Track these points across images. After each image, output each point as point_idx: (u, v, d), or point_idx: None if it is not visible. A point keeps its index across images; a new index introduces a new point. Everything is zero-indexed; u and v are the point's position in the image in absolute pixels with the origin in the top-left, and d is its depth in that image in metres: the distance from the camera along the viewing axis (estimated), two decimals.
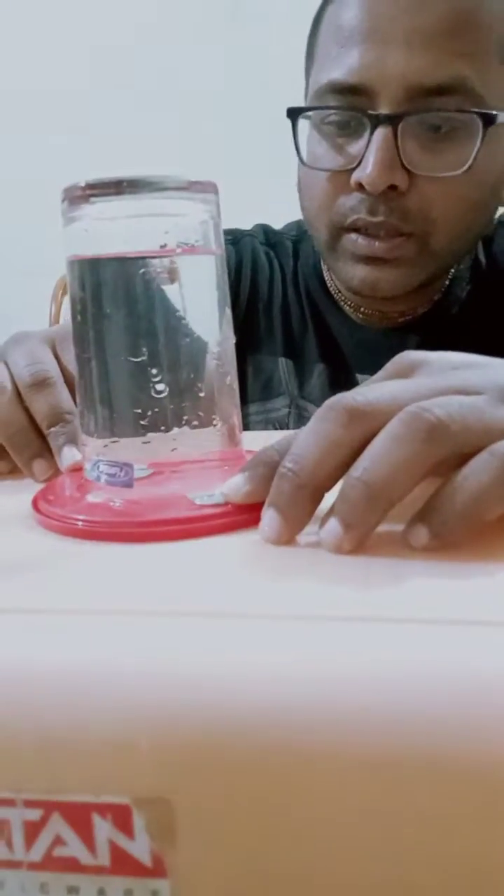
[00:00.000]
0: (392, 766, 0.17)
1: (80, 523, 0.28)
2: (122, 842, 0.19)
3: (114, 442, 0.30)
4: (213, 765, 0.18)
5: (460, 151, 0.51)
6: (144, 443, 0.30)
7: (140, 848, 0.19)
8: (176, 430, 0.30)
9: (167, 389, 0.29)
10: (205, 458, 0.31)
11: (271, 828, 0.18)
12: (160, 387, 0.29)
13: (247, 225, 0.72)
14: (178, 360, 0.30)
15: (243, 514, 0.27)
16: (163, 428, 0.30)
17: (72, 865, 0.19)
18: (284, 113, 0.55)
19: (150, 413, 0.29)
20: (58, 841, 0.19)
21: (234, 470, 0.31)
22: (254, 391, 0.66)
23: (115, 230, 0.28)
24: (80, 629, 0.20)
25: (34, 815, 0.19)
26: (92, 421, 0.30)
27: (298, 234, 0.69)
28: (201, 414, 0.30)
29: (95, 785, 0.19)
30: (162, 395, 0.29)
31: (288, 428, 0.65)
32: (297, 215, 0.63)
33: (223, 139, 1.47)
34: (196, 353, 0.30)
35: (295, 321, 0.66)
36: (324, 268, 0.65)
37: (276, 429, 0.65)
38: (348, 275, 0.56)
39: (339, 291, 0.63)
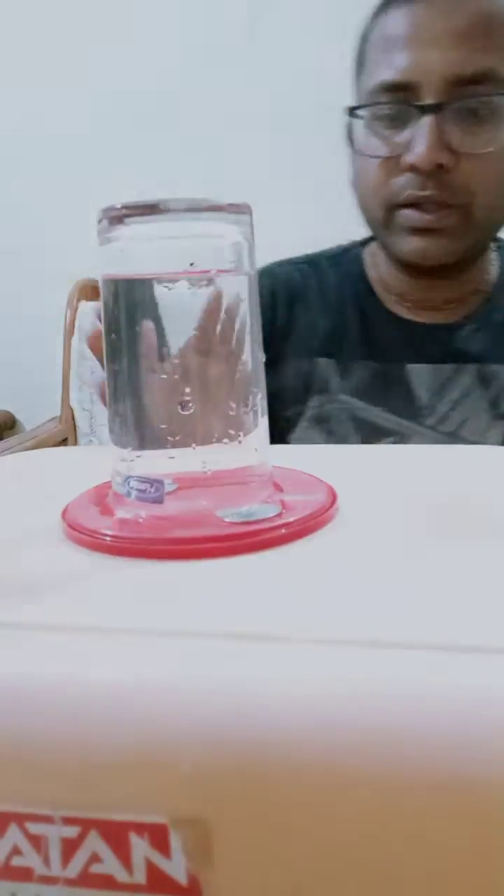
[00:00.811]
0: (433, 790, 0.18)
1: (109, 539, 0.28)
2: (158, 861, 0.19)
3: (139, 457, 0.30)
4: (251, 787, 0.18)
5: (496, 131, 0.61)
6: (171, 457, 0.30)
7: (176, 867, 0.19)
8: (203, 446, 0.30)
9: (196, 406, 0.30)
10: (232, 473, 0.31)
11: (307, 852, 0.18)
12: (188, 403, 0.30)
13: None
14: (208, 377, 0.30)
15: (272, 533, 0.28)
16: (190, 443, 0.30)
17: (108, 883, 0.19)
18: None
19: (177, 428, 0.30)
20: (94, 858, 0.19)
21: (260, 486, 0.31)
22: (296, 392, 0.72)
23: (149, 251, 0.29)
24: (121, 649, 0.21)
25: (71, 832, 0.19)
26: (121, 432, 0.30)
27: (336, 253, 0.78)
28: (230, 431, 0.30)
29: (133, 804, 0.19)
30: (190, 412, 0.30)
31: (330, 424, 0.70)
32: (319, 234, 0.70)
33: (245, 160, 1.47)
34: (226, 371, 0.30)
35: (334, 323, 0.73)
36: (370, 273, 0.73)
37: (319, 425, 0.71)
38: (401, 247, 0.65)
39: (388, 291, 0.72)
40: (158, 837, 0.19)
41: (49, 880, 0.20)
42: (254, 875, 0.19)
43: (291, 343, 0.73)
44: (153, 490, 0.29)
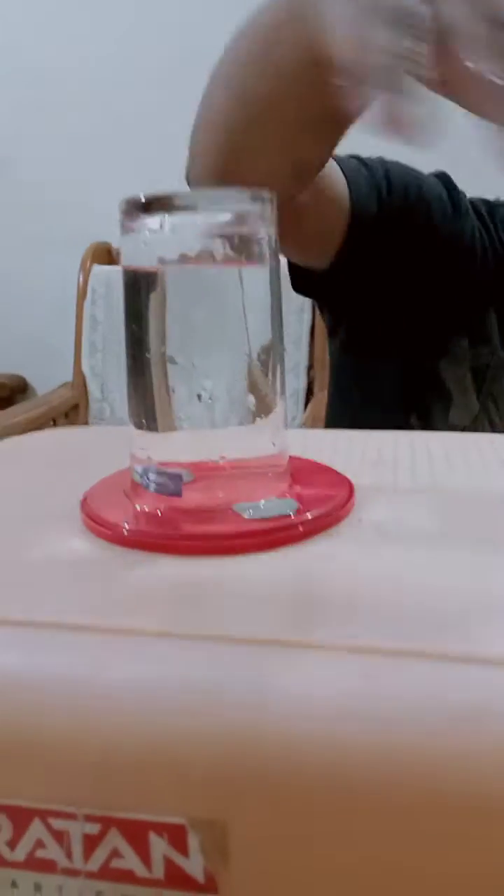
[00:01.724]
0: (446, 801, 0.18)
1: (126, 531, 0.28)
2: (176, 858, 0.20)
3: (158, 444, 0.30)
4: (267, 791, 0.19)
5: None
6: (188, 447, 0.30)
7: (194, 865, 0.19)
8: (222, 433, 0.30)
9: (216, 395, 0.30)
10: (249, 462, 0.31)
11: (320, 852, 0.19)
12: (207, 392, 0.30)
13: None
14: (228, 368, 0.30)
15: (288, 531, 0.28)
16: (209, 432, 0.30)
17: (128, 877, 0.20)
18: None
19: (196, 418, 0.30)
20: (115, 854, 0.20)
21: (277, 477, 0.31)
22: (473, 331, 0.64)
23: (172, 243, 0.28)
24: (141, 651, 0.21)
25: (93, 829, 0.20)
26: (140, 418, 0.30)
27: (488, 202, 0.67)
28: (248, 420, 0.30)
29: (153, 805, 0.19)
30: (210, 400, 0.30)
31: (486, 377, 0.64)
32: None
33: None
34: (247, 362, 0.30)
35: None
36: None
37: (475, 375, 0.64)
38: None
39: None
40: (177, 837, 0.19)
41: (71, 872, 0.20)
42: (269, 873, 0.19)
43: (475, 268, 0.63)
44: (172, 484, 0.29)
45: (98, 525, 0.29)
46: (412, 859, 0.19)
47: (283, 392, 0.32)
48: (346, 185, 0.56)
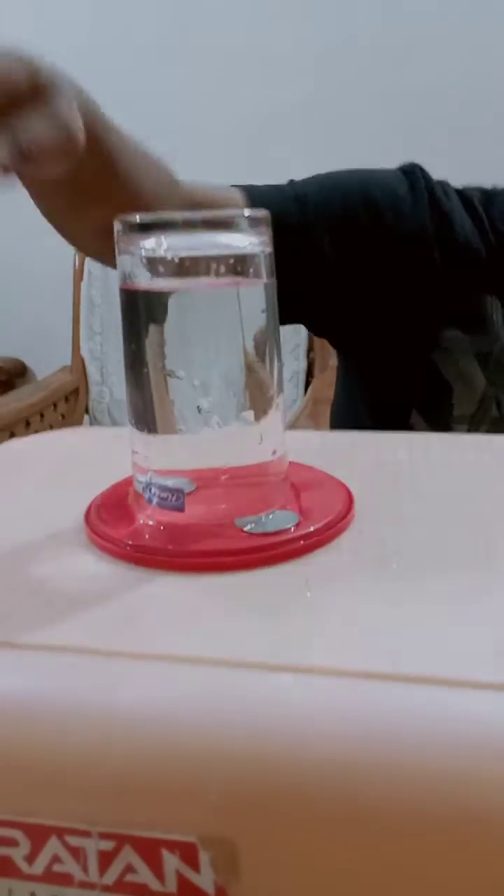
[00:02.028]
0: (456, 822, 0.19)
1: (131, 549, 0.29)
2: (188, 874, 0.21)
3: (158, 454, 0.31)
4: (275, 810, 0.20)
5: None
6: (190, 451, 0.31)
7: (205, 880, 0.20)
8: (222, 442, 0.31)
9: (215, 406, 0.30)
10: (249, 469, 0.31)
11: (326, 865, 0.20)
12: (207, 403, 0.30)
13: None
14: (226, 380, 0.30)
15: (290, 546, 0.28)
16: (209, 441, 0.31)
17: (142, 891, 0.21)
18: None
19: (196, 426, 0.30)
20: (129, 869, 0.21)
21: (277, 487, 0.32)
22: (464, 320, 0.64)
23: (167, 262, 0.29)
24: (153, 675, 0.22)
25: (107, 845, 0.21)
26: (142, 426, 0.31)
27: (485, 190, 0.67)
28: (247, 430, 0.31)
29: (164, 823, 0.20)
30: (209, 411, 0.30)
31: (489, 364, 0.64)
32: None
33: None
34: (246, 375, 0.31)
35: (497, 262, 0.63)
36: None
37: (478, 361, 0.64)
38: None
39: None
40: (188, 854, 0.20)
41: (87, 885, 0.21)
42: (278, 886, 0.20)
43: (452, 258, 0.63)
44: (174, 499, 0.30)
45: (103, 540, 0.30)
46: (414, 871, 0.20)
47: (282, 403, 0.32)
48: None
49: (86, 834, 0.21)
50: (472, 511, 0.32)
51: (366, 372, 0.68)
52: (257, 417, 0.31)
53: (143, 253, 0.29)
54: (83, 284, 1.66)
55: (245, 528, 0.30)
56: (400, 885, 0.20)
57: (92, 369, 1.67)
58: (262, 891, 0.20)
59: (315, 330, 0.69)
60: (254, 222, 0.29)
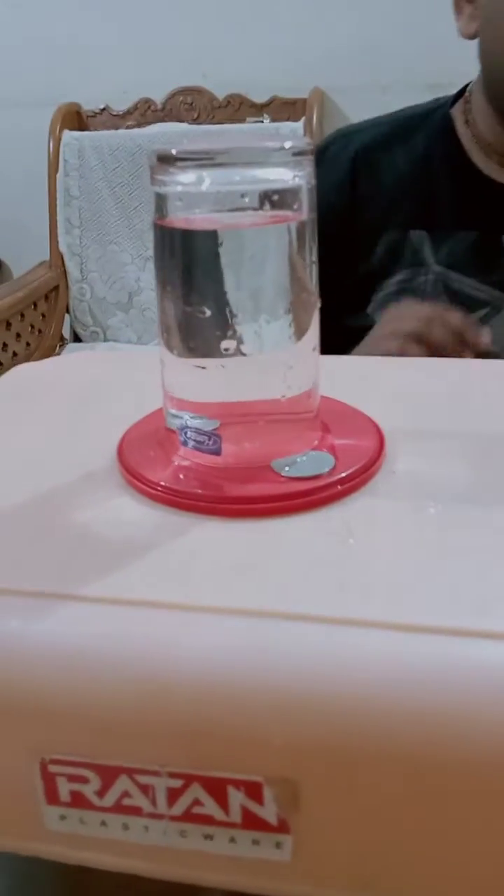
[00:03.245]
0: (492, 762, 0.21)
1: (171, 493, 0.29)
2: (252, 807, 0.22)
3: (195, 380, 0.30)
4: (334, 754, 0.21)
5: None
6: (224, 384, 0.30)
7: (268, 812, 0.22)
8: (255, 376, 0.30)
9: (251, 341, 0.29)
10: (282, 407, 0.31)
11: (380, 805, 0.22)
12: (241, 339, 0.29)
13: None
14: (264, 318, 0.30)
15: (329, 490, 0.29)
16: (242, 374, 0.30)
17: (208, 820, 0.23)
18: None
19: (230, 362, 0.30)
20: (196, 803, 0.23)
21: (310, 426, 0.32)
22: (384, 265, 0.70)
23: (205, 197, 0.27)
24: (215, 629, 0.23)
25: (176, 783, 0.22)
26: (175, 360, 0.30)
27: (421, 112, 0.71)
28: (282, 368, 0.30)
29: (231, 766, 0.22)
30: (243, 347, 0.30)
31: (426, 296, 0.69)
32: None
33: None
34: (282, 312, 0.30)
35: (426, 192, 0.69)
36: (461, 133, 0.69)
37: (415, 297, 0.70)
38: None
39: (484, 152, 0.67)
40: (253, 790, 0.22)
41: (156, 816, 0.23)
42: (337, 818, 0.22)
43: (377, 213, 0.69)
44: (211, 443, 0.30)
45: (141, 483, 0.30)
46: (460, 809, 0.21)
47: (317, 338, 0.32)
48: None
49: (155, 773, 0.22)
50: (499, 442, 0.33)
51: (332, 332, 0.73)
52: (293, 353, 0.31)
53: (177, 187, 0.27)
54: (59, 175, 1.56)
55: (283, 473, 0.30)
56: (445, 820, 0.21)
57: (71, 266, 1.60)
58: (320, 822, 0.22)
59: None
60: (297, 154, 0.27)
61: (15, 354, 1.45)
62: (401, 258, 0.70)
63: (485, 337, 0.57)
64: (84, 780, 0.23)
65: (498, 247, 0.68)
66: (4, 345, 1.42)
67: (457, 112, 0.71)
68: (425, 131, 0.71)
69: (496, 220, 0.68)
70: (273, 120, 1.53)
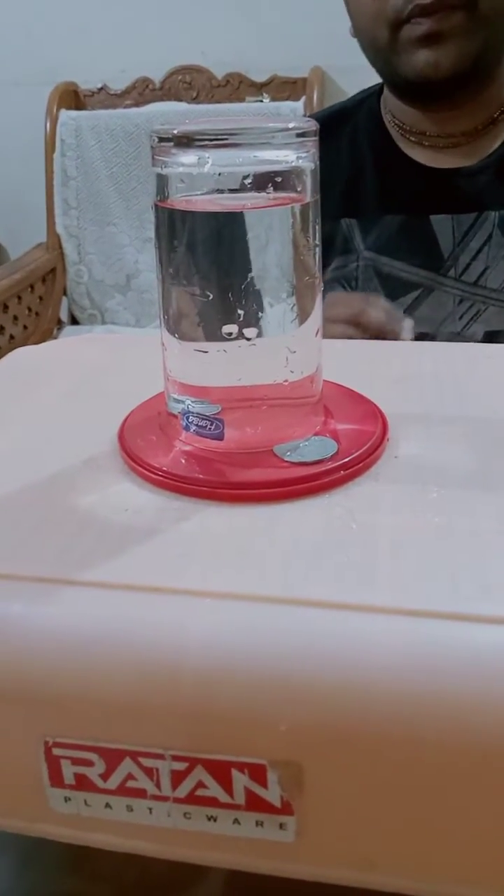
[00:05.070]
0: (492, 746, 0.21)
1: (174, 478, 0.29)
2: (256, 789, 0.22)
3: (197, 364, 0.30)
4: (337, 735, 0.21)
5: None
6: (224, 367, 0.30)
7: (272, 794, 0.22)
8: (256, 359, 0.30)
9: (252, 325, 0.29)
10: (284, 392, 0.31)
11: (382, 787, 0.22)
12: (244, 323, 0.29)
13: None
14: (266, 301, 0.29)
15: (332, 475, 0.29)
16: (243, 358, 0.30)
17: (211, 802, 0.23)
18: None
19: (230, 345, 0.29)
20: (200, 785, 0.23)
21: (312, 410, 0.32)
22: (323, 255, 0.74)
23: (207, 179, 0.27)
24: (217, 611, 0.23)
25: (180, 766, 0.23)
26: (174, 338, 0.30)
27: (352, 103, 0.75)
28: (284, 351, 0.30)
29: (234, 750, 0.22)
30: (246, 331, 0.29)
31: (357, 282, 0.72)
32: None
33: None
34: (284, 295, 0.30)
35: (355, 178, 0.72)
36: (386, 120, 0.71)
37: (347, 284, 0.72)
38: (412, 63, 0.65)
39: (405, 135, 0.70)
40: (257, 773, 0.22)
41: (160, 798, 0.23)
42: (339, 801, 0.22)
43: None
44: (213, 427, 0.30)
45: (143, 469, 0.30)
46: (464, 794, 0.22)
47: (320, 321, 0.32)
48: None
49: (159, 756, 0.23)
50: (502, 426, 0.33)
51: None
52: (295, 337, 0.30)
53: (179, 168, 0.27)
54: (55, 155, 1.55)
55: (285, 457, 0.30)
56: (447, 802, 0.22)
57: (69, 247, 1.59)
58: (323, 804, 0.22)
59: None
60: (301, 135, 0.27)
61: (12, 337, 1.44)
62: (332, 247, 0.72)
63: (405, 333, 0.59)
64: (88, 763, 0.23)
65: (424, 229, 0.70)
66: (1, 328, 1.41)
67: (382, 101, 0.74)
68: (354, 120, 0.74)
69: (421, 201, 0.70)
70: (273, 99, 1.51)
